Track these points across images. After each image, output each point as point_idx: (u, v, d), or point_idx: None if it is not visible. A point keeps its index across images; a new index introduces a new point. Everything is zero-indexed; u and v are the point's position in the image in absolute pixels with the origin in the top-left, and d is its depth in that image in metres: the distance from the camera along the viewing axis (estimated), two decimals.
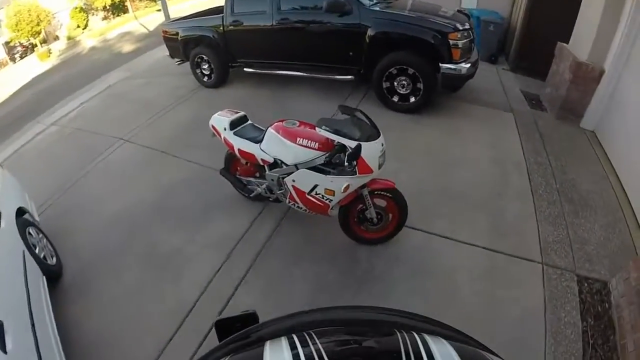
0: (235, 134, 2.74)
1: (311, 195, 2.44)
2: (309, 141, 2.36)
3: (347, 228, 2.62)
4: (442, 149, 3.75)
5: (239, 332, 1.11)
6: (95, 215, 3.25)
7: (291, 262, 2.66)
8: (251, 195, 2.94)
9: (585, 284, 2.46)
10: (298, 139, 2.38)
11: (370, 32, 4.04)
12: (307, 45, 4.58)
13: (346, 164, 2.20)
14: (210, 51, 5.14)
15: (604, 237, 2.77)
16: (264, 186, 2.79)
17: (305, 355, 0.83)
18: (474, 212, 2.96)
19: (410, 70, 4.00)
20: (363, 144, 2.13)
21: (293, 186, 2.48)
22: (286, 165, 2.48)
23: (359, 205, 2.49)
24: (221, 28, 4.94)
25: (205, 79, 5.40)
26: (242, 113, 2.88)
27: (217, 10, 5.23)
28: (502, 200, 3.09)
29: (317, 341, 0.89)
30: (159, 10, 14.20)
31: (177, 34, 5.39)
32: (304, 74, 4.74)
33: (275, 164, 2.56)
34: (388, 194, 2.45)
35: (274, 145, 2.53)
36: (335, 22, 4.21)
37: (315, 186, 2.38)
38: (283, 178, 2.53)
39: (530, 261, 2.59)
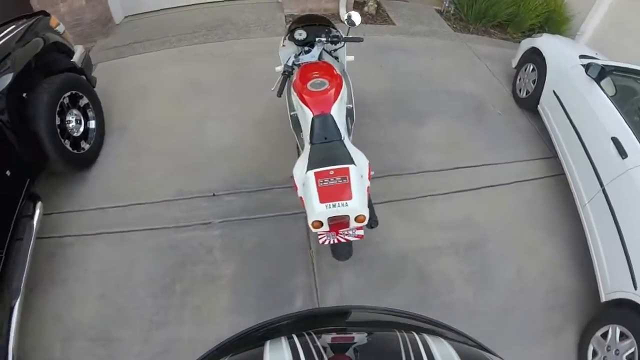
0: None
1: None
2: (328, 70, 2.24)
3: None
4: (240, 77, 3.64)
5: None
6: None
7: None
8: None
9: None
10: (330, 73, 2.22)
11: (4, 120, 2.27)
12: None
13: (353, 24, 2.44)
14: None
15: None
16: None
17: (305, 355, 0.81)
18: None
19: (65, 100, 2.67)
20: None
21: None
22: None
23: None
24: None
25: None
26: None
27: None
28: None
29: (317, 341, 0.89)
30: None
31: None
32: None
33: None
34: None
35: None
36: None
37: None
38: None
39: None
